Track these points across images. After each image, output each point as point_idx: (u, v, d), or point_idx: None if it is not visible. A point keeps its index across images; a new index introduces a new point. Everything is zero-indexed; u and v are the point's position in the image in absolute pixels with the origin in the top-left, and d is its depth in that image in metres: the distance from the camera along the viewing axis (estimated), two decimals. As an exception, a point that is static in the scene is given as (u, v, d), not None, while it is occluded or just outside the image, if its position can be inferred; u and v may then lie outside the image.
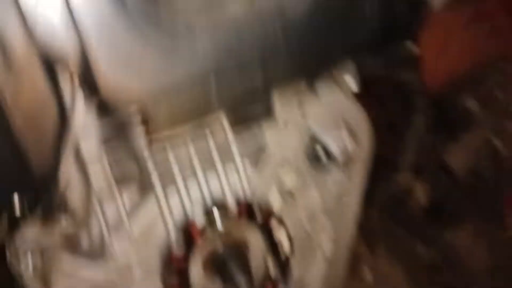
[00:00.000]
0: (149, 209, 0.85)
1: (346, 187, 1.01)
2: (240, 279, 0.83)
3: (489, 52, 1.17)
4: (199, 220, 0.85)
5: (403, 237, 1.37)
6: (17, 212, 0.72)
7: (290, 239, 0.94)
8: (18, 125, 0.72)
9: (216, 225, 0.84)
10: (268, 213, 0.91)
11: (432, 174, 1.31)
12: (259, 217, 0.88)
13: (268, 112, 0.90)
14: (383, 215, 1.30)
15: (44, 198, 0.75)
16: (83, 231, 0.83)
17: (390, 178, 1.30)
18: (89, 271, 0.84)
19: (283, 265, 0.94)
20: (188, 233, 0.85)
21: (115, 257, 0.84)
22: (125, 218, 0.83)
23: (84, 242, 0.85)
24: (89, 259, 0.84)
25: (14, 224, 0.73)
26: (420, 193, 1.29)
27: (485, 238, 1.37)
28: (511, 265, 1.42)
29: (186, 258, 0.85)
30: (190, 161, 0.86)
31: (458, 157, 1.26)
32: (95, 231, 0.84)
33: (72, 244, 0.82)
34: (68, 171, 0.76)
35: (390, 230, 1.35)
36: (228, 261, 0.85)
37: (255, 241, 0.88)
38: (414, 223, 1.39)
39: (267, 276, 0.90)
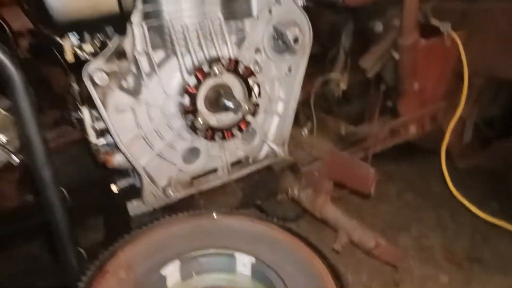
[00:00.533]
0: (172, 62, 1.38)
1: (294, 64, 1.59)
2: (229, 103, 1.39)
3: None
4: (204, 68, 1.39)
5: (330, 118, 2.01)
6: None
7: (259, 90, 1.50)
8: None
9: (214, 71, 1.38)
10: (249, 71, 1.46)
11: (352, 71, 1.93)
12: (242, 71, 1.43)
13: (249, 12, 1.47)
14: (316, 101, 1.91)
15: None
16: (128, 74, 1.35)
17: (324, 72, 1.92)
18: (130, 103, 1.36)
19: (254, 107, 1.50)
20: (196, 76, 1.39)
21: (148, 93, 1.37)
22: (155, 66, 1.36)
23: (125, 84, 1.36)
24: (130, 95, 1.36)
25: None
26: (343, 84, 1.91)
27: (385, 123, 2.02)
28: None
29: (195, 87, 1.39)
30: (198, 37, 1.40)
31: (368, 61, 1.87)
32: (133, 76, 1.37)
33: (120, 82, 1.33)
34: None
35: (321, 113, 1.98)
36: (221, 94, 1.41)
37: (236, 85, 1.46)
38: (339, 107, 2.03)
39: (245, 110, 1.46)
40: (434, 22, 1.89)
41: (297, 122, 1.79)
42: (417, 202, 2.53)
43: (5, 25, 1.69)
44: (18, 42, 1.95)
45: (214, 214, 1.18)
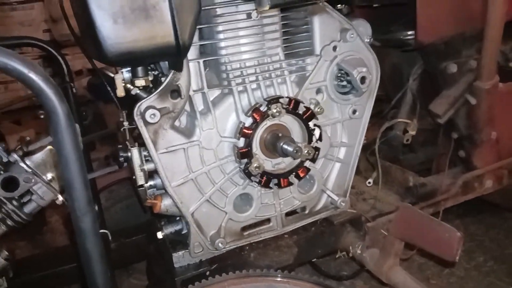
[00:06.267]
0: (227, 101, 1.29)
1: (360, 106, 1.45)
2: (288, 147, 1.25)
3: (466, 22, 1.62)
4: (262, 108, 1.28)
5: (395, 168, 1.81)
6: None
7: (320, 133, 1.36)
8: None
9: (272, 112, 1.26)
10: (310, 112, 1.33)
11: (422, 116, 1.75)
12: (302, 112, 1.31)
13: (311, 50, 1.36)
14: (383, 148, 1.74)
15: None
16: (182, 113, 1.26)
17: (392, 117, 1.75)
18: (182, 144, 1.26)
19: (314, 152, 1.35)
20: (253, 117, 1.28)
21: (202, 134, 1.27)
22: (211, 105, 1.26)
23: (178, 123, 1.27)
24: (182, 135, 1.26)
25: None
26: (413, 130, 1.72)
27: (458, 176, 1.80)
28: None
29: (251, 129, 1.27)
30: (256, 74, 1.30)
31: (441, 106, 1.69)
32: (187, 116, 1.28)
33: (172, 122, 1.24)
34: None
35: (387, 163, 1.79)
36: (278, 137, 1.28)
37: (295, 128, 1.33)
38: (406, 156, 1.84)
39: (304, 156, 1.31)
40: (513, 65, 1.71)
41: (357, 171, 1.62)
42: (489, 265, 2.24)
43: (60, 58, 1.67)
44: (75, 80, 1.96)
45: (279, 277, 0.99)
